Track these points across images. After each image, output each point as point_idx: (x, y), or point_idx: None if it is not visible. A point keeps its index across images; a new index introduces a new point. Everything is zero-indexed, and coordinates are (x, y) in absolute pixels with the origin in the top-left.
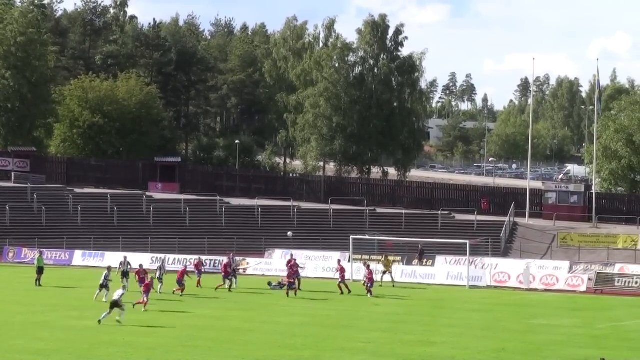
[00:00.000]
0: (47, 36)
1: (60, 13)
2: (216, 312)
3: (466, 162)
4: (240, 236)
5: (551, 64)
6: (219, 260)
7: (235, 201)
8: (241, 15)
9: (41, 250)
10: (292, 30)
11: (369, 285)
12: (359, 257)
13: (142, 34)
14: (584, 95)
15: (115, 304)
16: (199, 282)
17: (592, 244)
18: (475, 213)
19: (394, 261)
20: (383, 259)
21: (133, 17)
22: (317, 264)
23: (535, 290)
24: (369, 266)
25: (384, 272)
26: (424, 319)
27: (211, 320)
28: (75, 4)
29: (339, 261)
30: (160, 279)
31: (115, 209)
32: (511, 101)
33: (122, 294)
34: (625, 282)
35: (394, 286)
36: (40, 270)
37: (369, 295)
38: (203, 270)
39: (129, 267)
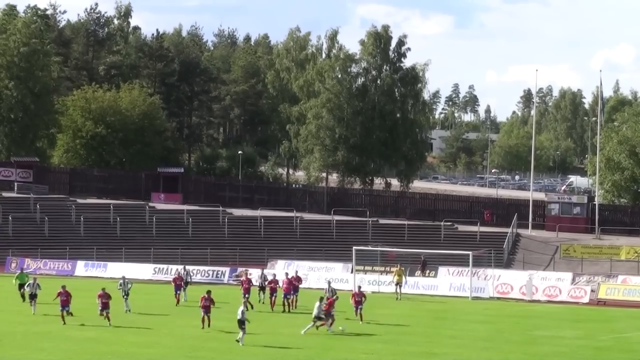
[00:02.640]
0: (50, 46)
1: (63, 23)
2: (218, 322)
3: (469, 173)
4: (242, 247)
5: (554, 75)
6: (221, 271)
7: (237, 212)
8: (244, 26)
9: (22, 267)
10: (295, 41)
11: (357, 308)
12: (362, 267)
13: (145, 44)
14: (586, 106)
15: (242, 323)
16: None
17: (595, 255)
18: (478, 224)
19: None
20: (397, 269)
21: (136, 28)
22: (320, 274)
23: (538, 301)
24: (359, 287)
25: (397, 284)
26: (427, 330)
27: (213, 331)
28: (79, 15)
29: (274, 275)
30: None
31: (117, 220)
32: (514, 112)
33: (244, 311)
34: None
35: (398, 299)
36: (23, 287)
37: (360, 321)
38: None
39: (38, 289)
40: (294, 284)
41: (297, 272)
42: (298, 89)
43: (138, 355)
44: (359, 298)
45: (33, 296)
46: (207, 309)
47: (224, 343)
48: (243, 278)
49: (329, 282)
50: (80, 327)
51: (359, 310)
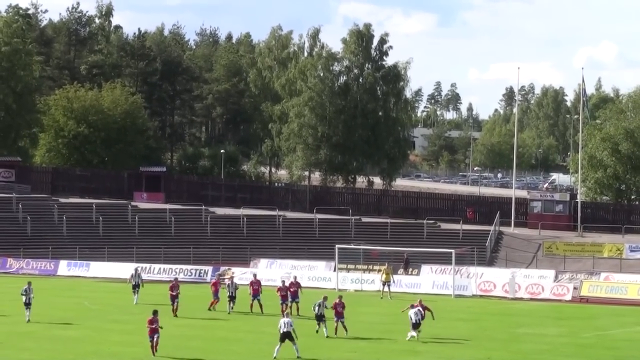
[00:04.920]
0: (32, 46)
1: (45, 23)
2: (202, 321)
3: (451, 171)
4: (225, 246)
5: (536, 73)
6: (204, 270)
7: (220, 211)
8: (226, 24)
9: None
10: (277, 39)
11: (338, 320)
12: (344, 266)
13: (127, 43)
14: (569, 104)
15: (288, 336)
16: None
17: (578, 252)
18: (461, 222)
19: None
20: (386, 267)
21: (118, 27)
22: (303, 273)
23: (521, 299)
24: (341, 297)
25: (385, 283)
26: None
27: (197, 330)
28: (60, 14)
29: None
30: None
31: (100, 219)
32: (496, 110)
33: (291, 323)
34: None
35: (389, 297)
36: None
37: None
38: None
39: None
40: (292, 290)
41: (295, 277)
42: (280, 88)
43: (121, 354)
44: (341, 309)
45: None
46: (155, 332)
47: (208, 342)
48: (228, 276)
49: (325, 297)
50: (65, 326)
51: (339, 323)
